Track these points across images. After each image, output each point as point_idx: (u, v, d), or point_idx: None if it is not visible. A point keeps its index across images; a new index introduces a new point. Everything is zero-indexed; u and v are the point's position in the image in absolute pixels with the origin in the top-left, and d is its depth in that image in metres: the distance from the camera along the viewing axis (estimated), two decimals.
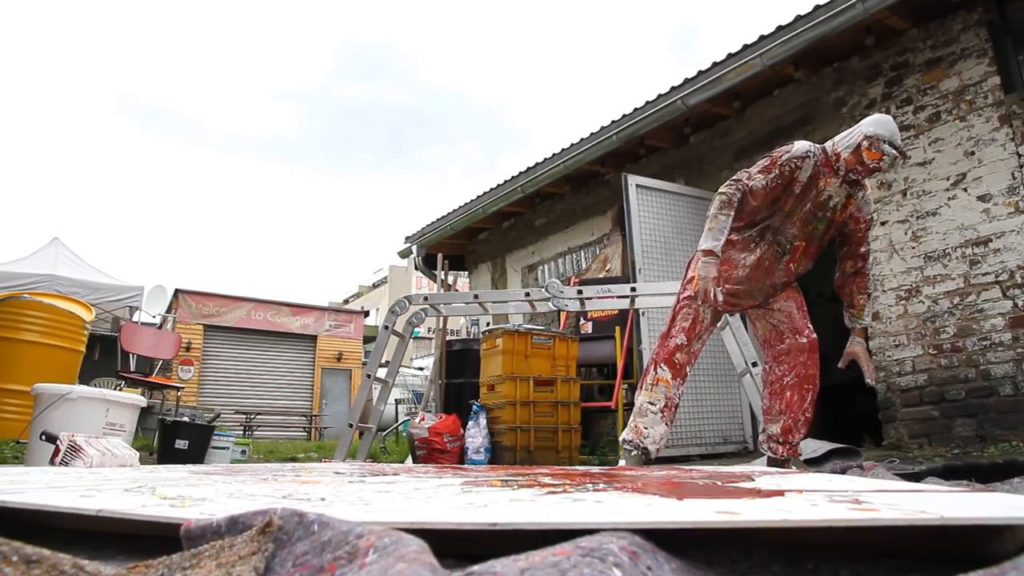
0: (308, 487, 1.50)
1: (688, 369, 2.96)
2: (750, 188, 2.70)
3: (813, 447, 3.35)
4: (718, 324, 3.13)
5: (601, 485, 1.44)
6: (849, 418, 6.40)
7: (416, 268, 9.46)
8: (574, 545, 0.64)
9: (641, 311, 5.07)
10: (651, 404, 2.91)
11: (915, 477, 2.31)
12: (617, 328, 5.60)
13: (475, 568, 0.61)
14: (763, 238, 2.84)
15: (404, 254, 9.40)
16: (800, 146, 2.75)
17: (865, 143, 2.63)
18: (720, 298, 2.71)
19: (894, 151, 2.60)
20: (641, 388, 2.99)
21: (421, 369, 15.97)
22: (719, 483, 1.53)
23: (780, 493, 1.16)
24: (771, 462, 2.88)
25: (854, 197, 2.76)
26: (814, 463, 3.08)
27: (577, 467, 3.68)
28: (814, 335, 2.87)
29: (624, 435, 2.99)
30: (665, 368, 2.93)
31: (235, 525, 0.78)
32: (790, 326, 2.88)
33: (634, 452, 2.92)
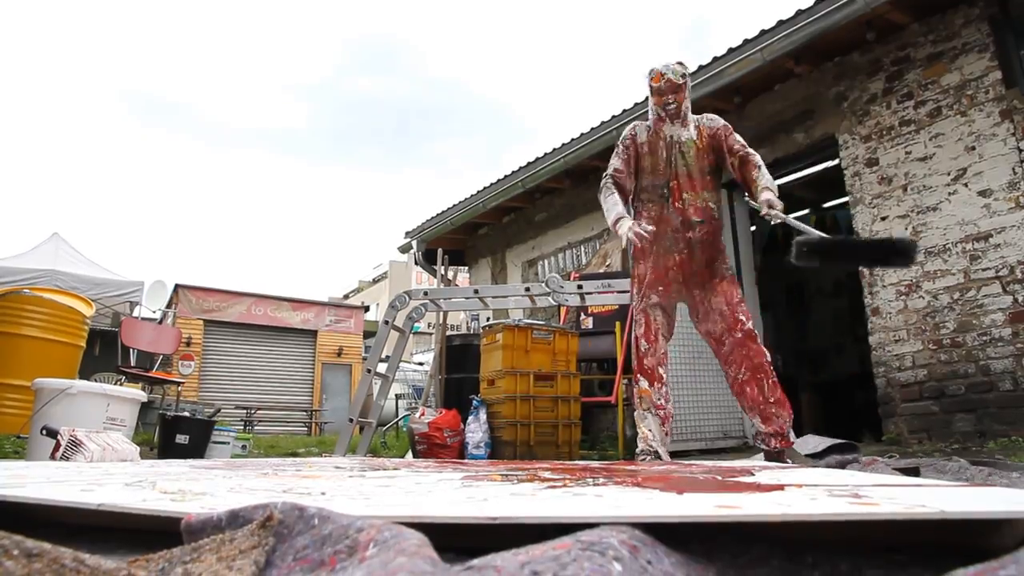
0: (308, 481, 1.50)
1: (661, 370, 3.13)
2: (612, 170, 3.26)
3: (813, 443, 3.37)
4: (673, 319, 3.30)
5: (601, 480, 1.45)
6: (849, 413, 6.42)
7: (416, 263, 9.45)
8: (574, 539, 0.64)
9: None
10: (645, 414, 3.11)
11: (914, 471, 2.32)
12: (617, 323, 5.59)
13: (475, 562, 0.61)
14: (652, 202, 3.21)
15: (404, 249, 9.39)
16: (630, 126, 3.35)
17: (647, 82, 3.23)
18: (649, 227, 3.03)
19: (655, 67, 3.17)
20: (634, 404, 3.20)
21: (421, 364, 15.96)
22: (719, 477, 1.53)
23: (780, 487, 1.16)
24: (768, 456, 2.95)
25: (701, 126, 3.23)
26: (814, 459, 3.09)
27: (577, 462, 3.68)
28: (748, 324, 3.03)
29: (638, 446, 3.14)
30: (642, 379, 3.13)
31: (236, 519, 0.78)
32: (725, 325, 3.06)
33: (648, 458, 3.04)
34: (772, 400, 2.95)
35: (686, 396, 5.20)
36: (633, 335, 3.22)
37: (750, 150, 3.15)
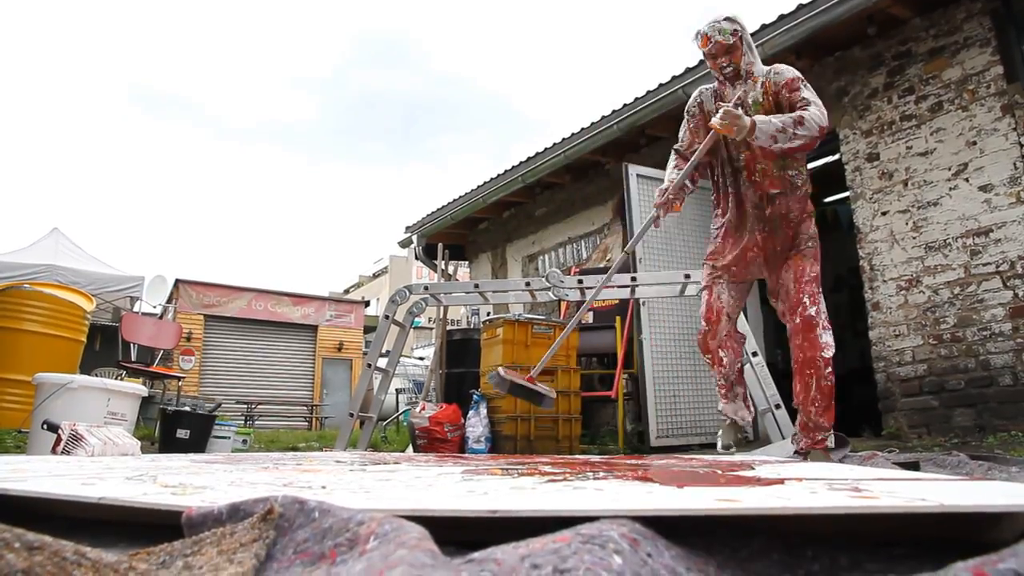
0: (309, 475, 1.50)
1: (722, 353, 2.89)
2: (678, 142, 3.05)
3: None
4: (743, 297, 3.00)
5: (601, 473, 1.45)
6: (849, 408, 6.42)
7: (416, 258, 9.45)
8: (574, 532, 0.64)
9: (642, 301, 5.07)
10: (718, 388, 3.03)
11: (914, 466, 2.32)
12: (617, 318, 5.60)
13: (475, 555, 0.61)
14: (728, 180, 2.89)
15: (405, 244, 9.38)
16: (696, 91, 3.06)
17: (697, 46, 2.93)
18: (670, 195, 2.89)
19: (700, 29, 2.86)
20: None
21: (422, 359, 15.97)
22: (719, 471, 1.53)
23: (780, 481, 1.16)
24: (796, 452, 2.84)
25: (767, 82, 2.81)
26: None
27: (577, 456, 3.69)
28: (809, 310, 2.68)
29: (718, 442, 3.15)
30: (706, 357, 2.99)
31: (236, 512, 0.78)
32: (788, 305, 2.78)
33: (728, 421, 3.07)
34: (814, 404, 2.66)
35: (685, 388, 5.21)
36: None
37: (807, 106, 2.63)
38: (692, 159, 2.88)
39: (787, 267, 2.79)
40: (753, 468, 1.65)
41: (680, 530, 0.76)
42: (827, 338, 2.65)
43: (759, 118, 2.60)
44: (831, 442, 2.73)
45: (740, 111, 2.68)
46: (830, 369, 2.67)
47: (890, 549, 0.78)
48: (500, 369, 3.41)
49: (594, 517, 0.71)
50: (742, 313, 3.57)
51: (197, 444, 4.63)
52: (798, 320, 2.70)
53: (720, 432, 3.12)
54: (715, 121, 2.65)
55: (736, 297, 2.93)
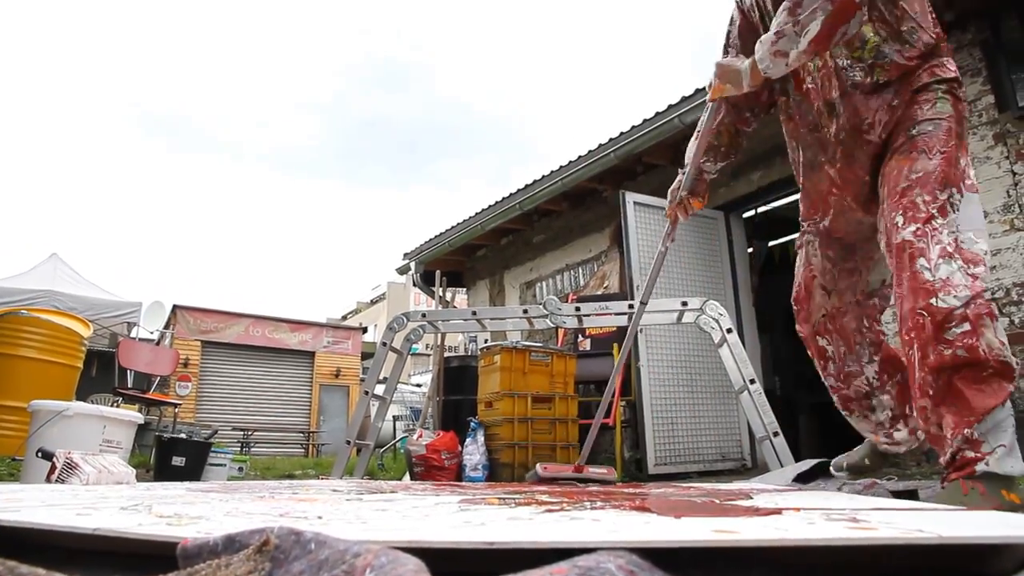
0: (305, 505, 1.49)
1: (823, 342, 2.13)
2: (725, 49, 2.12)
3: (791, 471, 3.13)
4: (852, 260, 2.11)
5: (599, 503, 1.44)
6: (846, 436, 6.38)
7: (414, 285, 9.47)
8: (571, 564, 0.64)
9: (639, 328, 5.07)
10: (834, 397, 2.26)
11: (912, 494, 2.30)
12: (615, 344, 5.60)
13: None
14: (784, 95, 2.05)
15: (402, 271, 9.41)
16: None
17: None
18: (684, 194, 2.23)
19: None
20: None
21: (419, 386, 15.93)
22: (717, 501, 1.52)
23: (778, 512, 1.15)
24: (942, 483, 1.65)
25: None
26: (802, 479, 2.96)
27: (576, 484, 3.66)
28: (901, 234, 1.63)
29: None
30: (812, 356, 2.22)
31: (232, 544, 0.78)
32: (882, 228, 1.78)
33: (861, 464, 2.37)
34: (924, 393, 1.57)
35: (683, 416, 5.19)
36: None
37: None
38: (699, 140, 2.19)
39: (881, 180, 1.80)
40: (751, 497, 1.64)
41: (678, 561, 0.76)
42: (943, 271, 1.54)
43: (757, 45, 1.80)
44: (992, 460, 1.46)
45: (731, 57, 2.01)
46: (957, 325, 1.50)
47: None
48: (538, 467, 2.92)
49: (591, 549, 0.71)
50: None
51: (193, 472, 4.59)
52: (891, 258, 1.69)
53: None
54: (710, 92, 1.98)
55: (838, 260, 2.10)
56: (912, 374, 1.62)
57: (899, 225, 1.64)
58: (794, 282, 2.19)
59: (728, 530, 0.84)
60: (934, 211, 1.61)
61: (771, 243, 6.92)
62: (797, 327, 2.20)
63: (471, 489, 2.51)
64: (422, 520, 1.11)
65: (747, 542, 0.77)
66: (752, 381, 3.50)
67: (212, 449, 4.90)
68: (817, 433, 6.55)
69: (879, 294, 2.17)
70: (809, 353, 2.23)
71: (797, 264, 2.20)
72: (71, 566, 0.90)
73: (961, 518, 1.04)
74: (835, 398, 2.20)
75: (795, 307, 2.19)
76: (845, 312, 2.11)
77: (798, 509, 1.21)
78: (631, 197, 5.44)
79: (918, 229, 1.60)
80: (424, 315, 4.47)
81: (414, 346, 5.10)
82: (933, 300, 1.53)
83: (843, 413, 2.24)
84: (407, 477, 5.00)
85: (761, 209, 6.30)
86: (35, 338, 5.79)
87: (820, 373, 2.20)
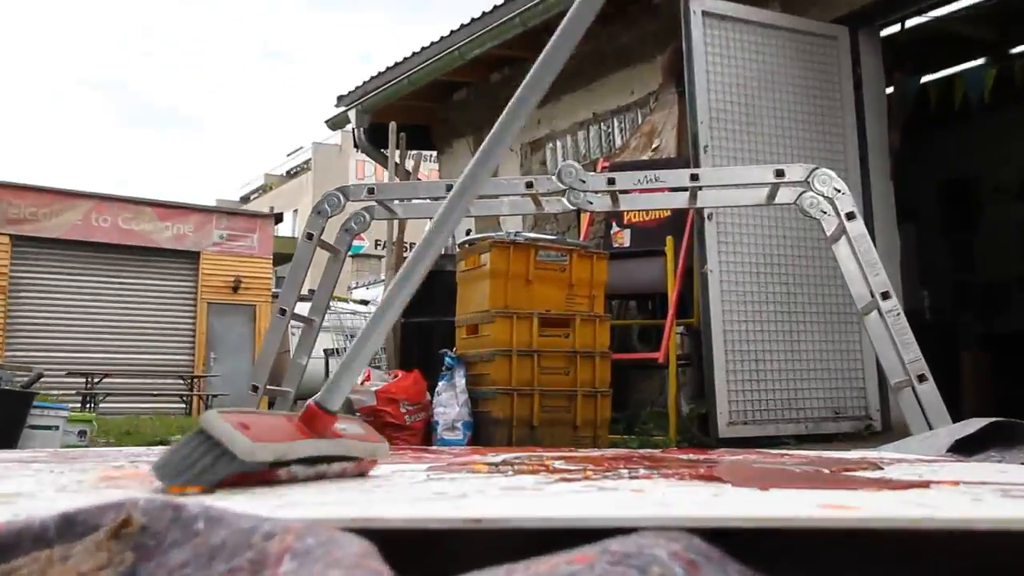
0: None
1: None
2: None
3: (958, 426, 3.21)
4: None
5: (642, 471, 1.46)
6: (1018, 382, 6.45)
7: (356, 146, 9.39)
8: (601, 549, 0.64)
9: (707, 212, 5.06)
10: None
11: None
12: (669, 238, 5.59)
13: None
14: None
15: (337, 124, 9.33)
16: None
17: None
18: None
19: None
20: None
21: (365, 303, 16.08)
22: (824, 470, 1.55)
23: (924, 484, 1.17)
24: None
25: None
26: (964, 447, 3.00)
27: (606, 450, 3.73)
28: None
29: None
30: None
31: (71, 527, 0.78)
32: None
33: None
34: None
35: (774, 350, 5.25)
36: None
37: None
38: None
39: None
40: (881, 468, 1.68)
41: (762, 550, 0.77)
42: None
43: None
44: None
45: None
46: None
47: None
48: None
49: (630, 528, 0.71)
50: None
51: (3, 437, 4.64)
52: None
53: None
54: None
55: None
56: None
57: None
58: None
59: (843, 505, 0.85)
60: None
61: (925, 77, 6.75)
62: None
63: (447, 454, 2.56)
64: (370, 492, 1.13)
65: (873, 521, 0.78)
66: (886, 296, 3.51)
67: (35, 404, 4.95)
68: (990, 379, 6.60)
69: None
70: None
71: None
72: None
73: None
74: None
75: None
76: None
77: (956, 483, 1.23)
78: (699, 3, 5.31)
79: None
80: (372, 190, 4.44)
81: (358, 244, 5.08)
82: None
83: None
84: None
85: (912, 22, 6.15)
86: None
87: None
